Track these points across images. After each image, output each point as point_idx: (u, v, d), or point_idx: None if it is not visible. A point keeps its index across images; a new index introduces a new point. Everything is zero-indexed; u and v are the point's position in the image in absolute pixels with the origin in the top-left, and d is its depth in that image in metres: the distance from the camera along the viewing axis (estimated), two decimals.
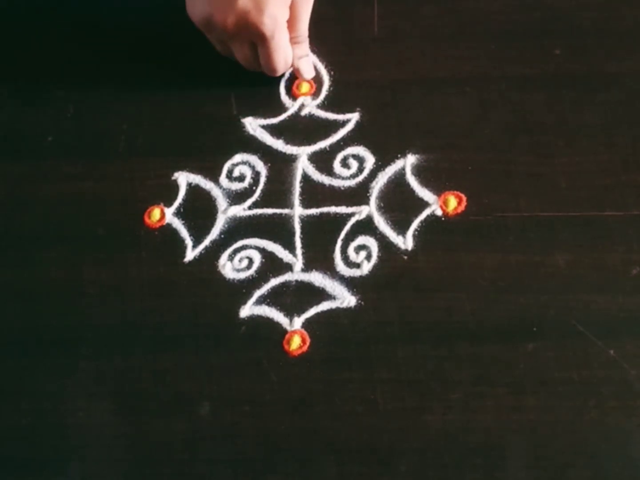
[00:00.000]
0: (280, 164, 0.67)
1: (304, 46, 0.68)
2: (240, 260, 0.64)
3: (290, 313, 0.62)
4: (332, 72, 0.70)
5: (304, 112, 0.69)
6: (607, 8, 0.71)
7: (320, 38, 0.72)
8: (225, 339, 0.62)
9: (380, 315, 0.61)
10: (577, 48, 0.69)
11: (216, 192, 0.67)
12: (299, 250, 0.64)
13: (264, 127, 0.69)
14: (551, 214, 0.63)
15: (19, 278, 0.65)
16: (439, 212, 0.64)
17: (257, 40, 0.65)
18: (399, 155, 0.66)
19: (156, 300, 0.63)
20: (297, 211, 0.65)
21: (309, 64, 0.68)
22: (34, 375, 0.62)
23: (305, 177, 0.67)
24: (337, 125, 0.68)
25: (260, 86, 0.71)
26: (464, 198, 0.64)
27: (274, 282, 0.63)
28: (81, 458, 0.59)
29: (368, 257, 0.63)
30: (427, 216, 0.64)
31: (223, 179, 0.67)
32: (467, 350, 0.59)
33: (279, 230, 0.65)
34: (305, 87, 0.70)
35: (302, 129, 0.68)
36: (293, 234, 0.65)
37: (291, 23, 0.66)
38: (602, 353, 0.58)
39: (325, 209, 0.65)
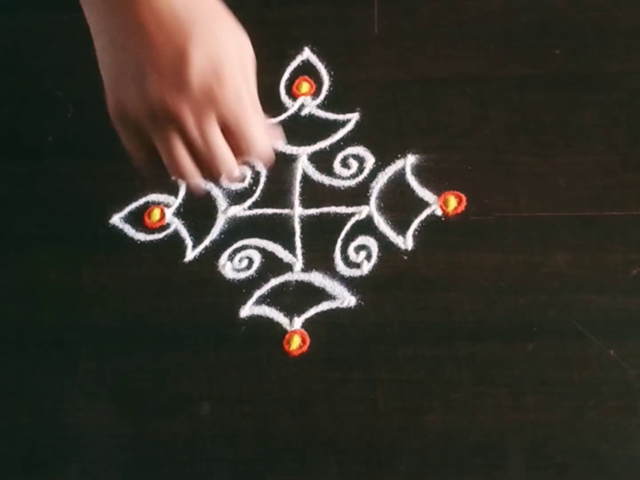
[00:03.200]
0: (280, 164, 0.67)
1: (261, 117, 0.56)
2: (240, 260, 0.64)
3: (290, 313, 0.62)
4: (332, 72, 0.70)
5: (304, 112, 0.69)
6: (607, 8, 0.71)
7: (320, 38, 0.72)
8: (225, 339, 0.62)
9: (380, 315, 0.61)
10: (577, 48, 0.69)
11: (216, 192, 0.67)
12: (299, 250, 0.64)
13: None
14: (551, 214, 0.63)
15: (19, 278, 0.65)
16: (439, 212, 0.64)
17: (228, 117, 0.52)
18: (399, 155, 0.66)
19: (156, 300, 0.63)
20: (297, 211, 0.65)
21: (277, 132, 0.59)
22: (34, 375, 0.62)
23: (305, 177, 0.67)
24: (337, 125, 0.68)
25: (260, 86, 0.70)
26: (464, 198, 0.64)
27: (274, 282, 0.63)
28: (81, 458, 0.59)
29: (368, 257, 0.63)
30: (427, 216, 0.64)
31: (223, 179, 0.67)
32: (467, 350, 0.59)
33: (279, 230, 0.65)
34: (305, 87, 0.70)
35: (302, 129, 0.68)
36: (293, 234, 0.65)
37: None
38: (602, 353, 0.58)
39: (325, 209, 0.65)
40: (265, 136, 0.54)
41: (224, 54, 0.51)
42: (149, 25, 0.51)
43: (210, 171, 0.54)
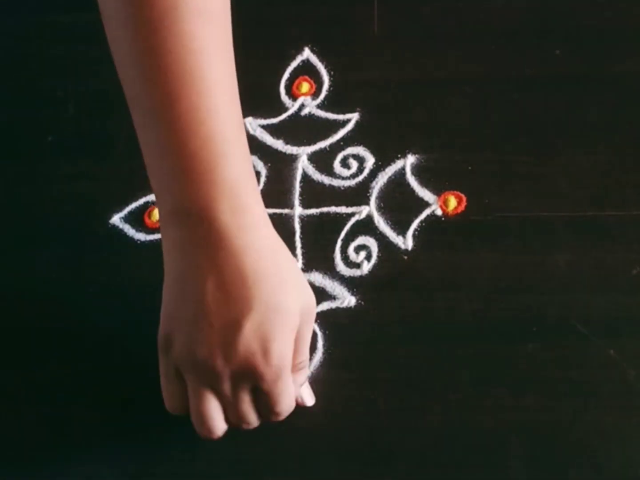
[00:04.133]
0: (280, 164, 0.67)
1: (305, 371, 0.56)
2: None
3: None
4: (332, 72, 0.70)
5: (304, 112, 0.69)
6: (607, 8, 0.71)
7: (320, 38, 0.72)
8: None
9: (380, 315, 0.61)
10: (577, 48, 0.69)
11: None
12: (299, 250, 0.64)
13: (264, 127, 0.69)
14: (551, 214, 0.63)
15: (19, 278, 0.65)
16: (439, 212, 0.64)
17: (263, 385, 0.51)
18: (399, 155, 0.66)
19: (156, 301, 0.63)
20: (297, 211, 0.65)
21: (309, 388, 0.58)
22: (34, 375, 0.62)
23: (305, 177, 0.67)
24: (337, 125, 0.68)
25: (260, 86, 0.70)
26: (464, 198, 0.64)
27: None
28: (81, 458, 0.59)
29: (368, 257, 0.63)
30: (427, 216, 0.64)
31: None
32: (467, 350, 0.59)
33: (278, 230, 0.64)
34: (305, 87, 0.70)
35: (302, 129, 0.68)
36: (293, 234, 0.65)
37: (295, 348, 0.53)
38: (602, 353, 0.58)
39: (325, 209, 0.65)
40: (292, 403, 0.54)
41: (279, 328, 0.51)
42: (212, 281, 0.51)
43: (230, 421, 0.54)
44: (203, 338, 0.50)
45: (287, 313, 0.51)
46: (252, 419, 0.54)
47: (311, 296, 0.54)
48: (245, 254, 0.51)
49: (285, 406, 0.53)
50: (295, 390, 0.54)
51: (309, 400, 0.58)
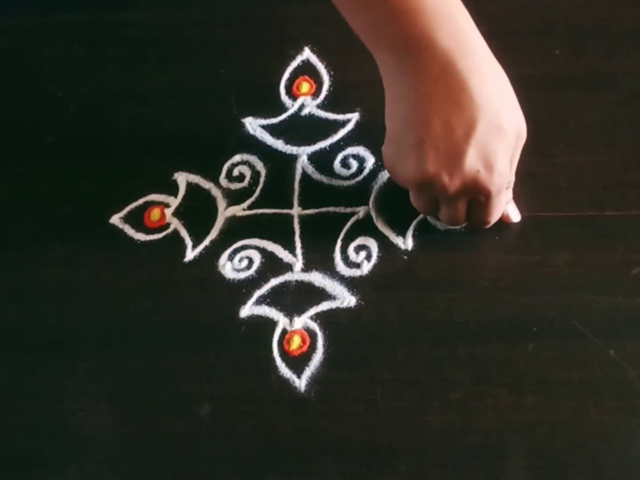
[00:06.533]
0: (280, 164, 0.67)
1: (511, 190, 0.61)
2: (240, 260, 0.64)
3: (290, 313, 0.62)
4: (332, 72, 0.70)
5: (304, 112, 0.69)
6: (607, 8, 0.71)
7: (320, 38, 0.72)
8: (225, 339, 0.62)
9: (380, 315, 0.61)
10: (577, 48, 0.69)
11: (216, 192, 0.67)
12: (299, 250, 0.64)
13: (264, 127, 0.69)
14: (551, 214, 0.63)
15: (19, 278, 0.65)
16: None
17: (481, 199, 0.57)
18: None
19: (156, 300, 0.63)
20: (297, 211, 0.65)
21: (515, 207, 0.62)
22: (34, 375, 0.62)
23: (305, 177, 0.67)
24: (337, 125, 0.68)
25: (260, 86, 0.71)
26: None
27: (274, 282, 0.63)
28: (81, 458, 0.59)
29: (368, 257, 0.63)
30: (427, 216, 0.64)
31: (222, 178, 0.67)
32: (467, 350, 0.59)
33: (279, 230, 0.65)
34: (305, 87, 0.70)
35: (302, 129, 0.68)
36: (293, 234, 0.65)
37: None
38: (602, 353, 0.58)
39: (325, 209, 0.65)
40: (499, 215, 0.60)
41: (500, 147, 0.55)
42: (438, 104, 0.54)
43: (443, 220, 0.61)
44: (430, 158, 0.55)
45: (507, 134, 0.55)
46: (461, 223, 0.61)
47: (523, 120, 0.57)
48: (469, 76, 0.54)
49: (495, 217, 0.60)
50: (504, 206, 0.60)
51: (515, 216, 0.62)
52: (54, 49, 0.74)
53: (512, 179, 0.59)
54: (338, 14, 0.60)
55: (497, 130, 0.55)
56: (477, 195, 0.57)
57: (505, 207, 0.61)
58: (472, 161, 0.55)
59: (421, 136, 0.55)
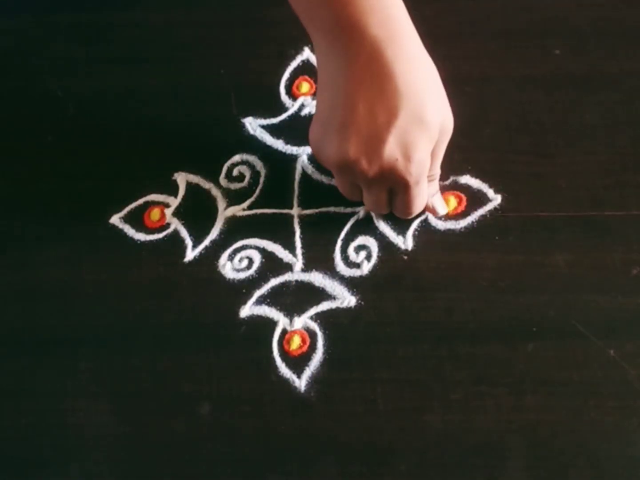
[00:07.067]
0: (280, 164, 0.67)
1: (436, 183, 0.62)
2: (240, 260, 0.64)
3: (290, 313, 0.62)
4: None
5: (304, 112, 0.69)
6: (607, 8, 0.71)
7: None
8: (225, 339, 0.62)
9: (380, 315, 0.61)
10: (577, 48, 0.69)
11: (216, 192, 0.67)
12: (299, 250, 0.64)
13: (264, 127, 0.69)
14: (551, 214, 0.63)
15: (19, 278, 0.65)
16: None
17: (399, 188, 0.58)
18: None
19: (156, 300, 0.63)
20: (297, 211, 0.65)
21: (441, 199, 0.63)
22: (34, 375, 0.62)
23: (305, 177, 0.67)
24: None
25: (260, 86, 0.71)
26: (464, 198, 0.64)
27: (274, 282, 0.63)
28: (81, 458, 0.59)
29: (368, 257, 0.63)
30: (427, 216, 0.64)
31: (222, 178, 0.67)
32: (467, 350, 0.59)
33: (279, 230, 0.65)
34: (305, 87, 0.70)
35: (302, 129, 0.68)
36: (293, 234, 0.65)
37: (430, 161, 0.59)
38: (602, 353, 0.58)
39: (325, 209, 0.65)
40: (422, 206, 0.61)
41: (421, 138, 0.56)
42: (363, 91, 0.55)
43: (367, 207, 0.63)
44: (351, 144, 0.56)
45: (429, 126, 0.56)
46: (383, 210, 0.62)
47: (450, 114, 0.58)
48: (396, 65, 0.55)
49: (417, 208, 0.61)
50: (426, 198, 0.60)
51: (441, 209, 0.63)
52: (54, 49, 0.74)
53: (437, 171, 0.61)
54: None
55: (419, 122, 0.55)
56: (395, 184, 0.58)
57: (431, 199, 0.62)
58: (391, 149, 0.55)
59: (346, 120, 0.56)
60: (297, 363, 0.60)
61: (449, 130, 0.58)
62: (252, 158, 0.68)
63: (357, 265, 0.63)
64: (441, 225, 0.63)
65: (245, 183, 0.67)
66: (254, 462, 0.58)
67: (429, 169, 0.58)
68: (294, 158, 0.67)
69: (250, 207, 0.66)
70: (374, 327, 0.61)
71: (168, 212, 0.66)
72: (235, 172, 0.67)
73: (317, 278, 0.63)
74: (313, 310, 0.62)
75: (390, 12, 0.55)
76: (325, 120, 0.58)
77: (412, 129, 0.55)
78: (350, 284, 0.62)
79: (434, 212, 0.63)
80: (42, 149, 0.70)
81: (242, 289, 0.63)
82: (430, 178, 0.60)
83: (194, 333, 0.62)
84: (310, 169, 0.67)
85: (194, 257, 0.64)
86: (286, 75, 0.71)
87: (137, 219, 0.66)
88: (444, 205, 0.63)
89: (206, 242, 0.65)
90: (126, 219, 0.66)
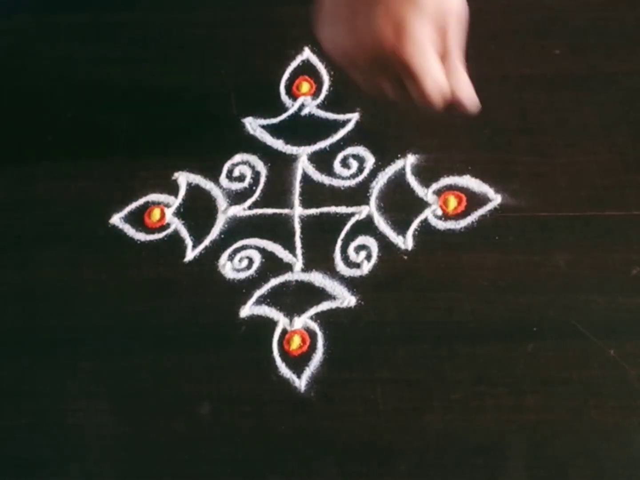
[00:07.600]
0: (280, 164, 0.67)
1: (460, 67, 0.58)
2: (240, 260, 0.64)
3: (290, 313, 0.62)
4: (332, 72, 0.70)
5: (304, 112, 0.69)
6: (607, 8, 0.71)
7: None
8: (225, 339, 0.62)
9: (380, 315, 0.61)
10: (577, 48, 0.69)
11: (216, 192, 0.67)
12: (299, 250, 0.64)
13: (264, 127, 0.69)
14: (551, 214, 0.63)
15: (18, 278, 0.65)
16: (439, 212, 0.64)
17: (401, 71, 0.55)
18: (399, 155, 0.66)
19: (156, 300, 0.63)
20: (297, 211, 0.65)
21: (468, 85, 0.59)
22: (34, 375, 0.62)
23: (305, 177, 0.67)
24: (337, 125, 0.68)
25: (260, 86, 0.71)
26: (464, 198, 0.64)
27: (274, 282, 0.63)
28: (81, 458, 0.59)
29: (368, 257, 0.63)
30: (427, 216, 0.64)
31: (223, 179, 0.67)
32: (467, 350, 0.59)
33: (279, 230, 0.65)
34: (305, 87, 0.70)
35: (302, 129, 0.68)
36: (293, 234, 0.65)
37: (442, 44, 0.57)
38: (602, 353, 0.58)
39: (325, 209, 0.65)
40: (439, 86, 0.56)
41: (412, 14, 0.54)
42: None
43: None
44: (344, 31, 0.56)
45: (421, 6, 0.55)
46: (404, 98, 0.58)
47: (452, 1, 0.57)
48: None
49: (431, 87, 0.56)
50: (440, 77, 0.56)
51: (467, 95, 0.59)
52: (54, 49, 0.74)
53: (454, 50, 0.58)
54: None
55: (408, 1, 0.55)
56: (398, 67, 0.55)
57: (457, 83, 0.57)
58: (380, 26, 0.54)
59: (336, 5, 0.56)
60: (297, 363, 0.60)
61: (452, 10, 0.57)
62: (252, 158, 0.68)
63: (357, 265, 0.63)
64: (441, 225, 0.63)
65: (245, 183, 0.67)
66: (254, 462, 0.58)
67: (438, 47, 0.56)
68: (294, 158, 0.67)
69: (250, 207, 0.66)
70: (374, 327, 0.61)
71: (168, 212, 0.66)
72: (235, 172, 0.67)
73: (317, 278, 0.63)
74: (313, 310, 0.62)
75: None
76: (323, 8, 0.57)
77: (401, 8, 0.54)
78: (350, 284, 0.62)
79: (459, 100, 0.58)
80: (42, 149, 0.70)
81: (242, 289, 0.63)
82: (448, 58, 0.57)
83: (194, 333, 0.62)
84: (310, 169, 0.67)
85: (194, 257, 0.64)
86: (286, 75, 0.71)
87: (137, 219, 0.66)
88: (474, 98, 0.59)
89: (206, 242, 0.65)
90: (126, 219, 0.66)
